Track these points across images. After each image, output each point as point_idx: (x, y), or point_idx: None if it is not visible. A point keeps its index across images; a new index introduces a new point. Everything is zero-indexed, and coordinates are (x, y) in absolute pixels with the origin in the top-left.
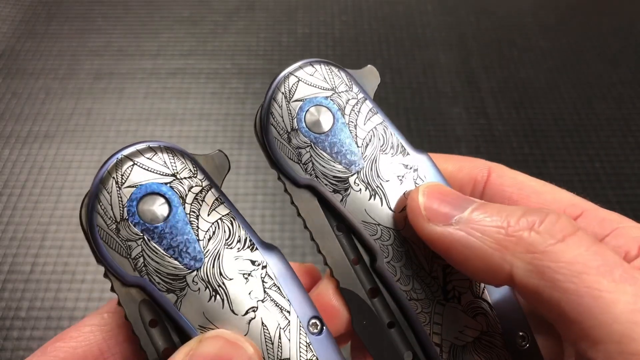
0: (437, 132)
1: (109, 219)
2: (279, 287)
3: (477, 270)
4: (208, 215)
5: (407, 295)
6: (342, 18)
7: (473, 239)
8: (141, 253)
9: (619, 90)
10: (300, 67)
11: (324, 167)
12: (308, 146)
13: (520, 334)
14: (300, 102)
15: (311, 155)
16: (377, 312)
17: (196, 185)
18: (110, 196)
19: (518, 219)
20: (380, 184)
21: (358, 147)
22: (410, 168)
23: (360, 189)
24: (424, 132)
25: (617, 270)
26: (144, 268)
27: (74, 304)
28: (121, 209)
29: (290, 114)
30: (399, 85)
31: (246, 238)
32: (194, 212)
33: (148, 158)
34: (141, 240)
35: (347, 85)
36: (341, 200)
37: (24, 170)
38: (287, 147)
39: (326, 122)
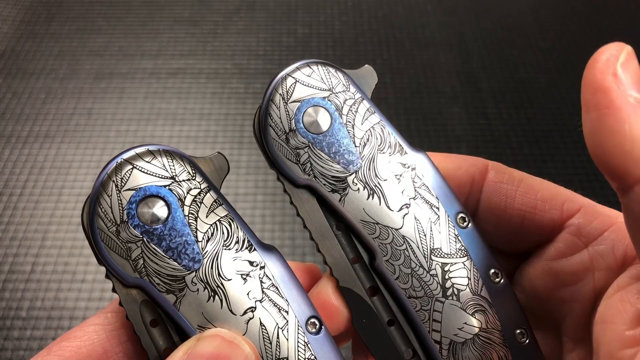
0: (437, 132)
1: (109, 221)
2: (277, 288)
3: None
4: (206, 216)
5: (406, 293)
6: (342, 18)
7: None
8: (141, 255)
9: None
10: (298, 69)
11: (322, 167)
12: (306, 147)
13: (519, 330)
14: (298, 103)
15: (309, 156)
16: (376, 310)
17: (195, 188)
18: (110, 199)
19: None
20: (379, 183)
21: (356, 146)
22: (408, 167)
23: (359, 189)
24: (423, 132)
25: None
26: (143, 269)
27: (75, 303)
28: (121, 211)
29: (288, 115)
30: (399, 86)
31: (244, 239)
32: (192, 214)
33: (147, 161)
34: (141, 242)
35: (344, 85)
36: (340, 200)
37: (25, 170)
38: (286, 148)
39: (324, 122)
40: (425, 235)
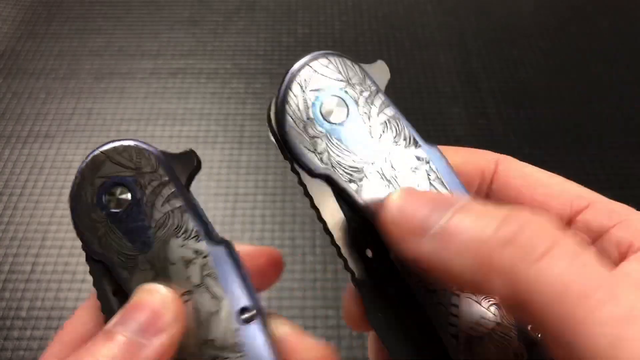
0: (437, 132)
1: (84, 204)
2: (216, 276)
3: (460, 287)
4: (162, 206)
5: (423, 285)
6: (342, 18)
7: (450, 258)
8: (104, 233)
9: (619, 90)
10: (315, 59)
11: (339, 156)
12: (323, 136)
13: (532, 325)
14: (316, 92)
15: (327, 145)
16: (392, 304)
17: (155, 180)
18: (85, 186)
19: (496, 229)
20: (395, 175)
21: (372, 138)
22: (423, 160)
23: (376, 179)
24: (424, 132)
25: (599, 292)
26: (106, 246)
27: (75, 303)
28: (92, 196)
29: (306, 103)
30: (399, 86)
31: (193, 229)
32: (149, 202)
33: (118, 154)
34: (105, 223)
35: (360, 77)
36: (357, 190)
37: (25, 170)
38: (303, 136)
39: (341, 112)
40: None
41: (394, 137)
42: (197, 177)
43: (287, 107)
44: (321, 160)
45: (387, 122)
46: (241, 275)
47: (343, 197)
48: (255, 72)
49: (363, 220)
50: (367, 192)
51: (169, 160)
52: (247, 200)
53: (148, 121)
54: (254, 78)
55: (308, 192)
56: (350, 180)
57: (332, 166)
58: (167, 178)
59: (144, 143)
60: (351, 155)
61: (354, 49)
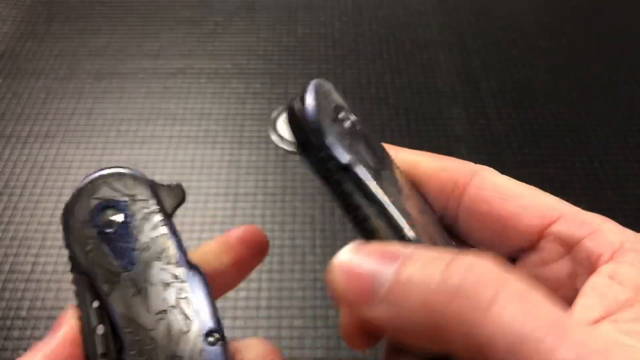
0: (437, 132)
1: (78, 221)
2: (189, 300)
3: (419, 345)
4: (149, 231)
5: None
6: (342, 18)
7: (402, 321)
8: (92, 249)
9: (619, 90)
10: (323, 82)
11: (362, 153)
12: (347, 132)
13: None
14: (335, 103)
15: (351, 141)
16: None
17: (146, 207)
18: (82, 203)
19: (440, 282)
20: (401, 185)
21: (376, 151)
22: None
23: (391, 182)
24: (424, 132)
25: (550, 336)
26: (92, 261)
27: None
28: (86, 214)
29: (331, 106)
30: (399, 86)
31: (175, 256)
32: (138, 227)
33: (115, 180)
34: (95, 239)
35: (349, 106)
36: (378, 184)
37: (25, 170)
38: (333, 128)
39: (355, 122)
40: (441, 239)
41: (390, 163)
42: (197, 178)
43: (316, 103)
44: (348, 151)
45: (384, 147)
46: (209, 300)
47: (364, 192)
48: (255, 72)
49: (384, 215)
50: (387, 188)
51: (159, 190)
52: (247, 200)
53: (148, 121)
54: (254, 78)
55: (337, 181)
56: (374, 174)
57: (357, 159)
58: (156, 207)
59: (140, 172)
60: (371, 157)
61: (354, 49)
